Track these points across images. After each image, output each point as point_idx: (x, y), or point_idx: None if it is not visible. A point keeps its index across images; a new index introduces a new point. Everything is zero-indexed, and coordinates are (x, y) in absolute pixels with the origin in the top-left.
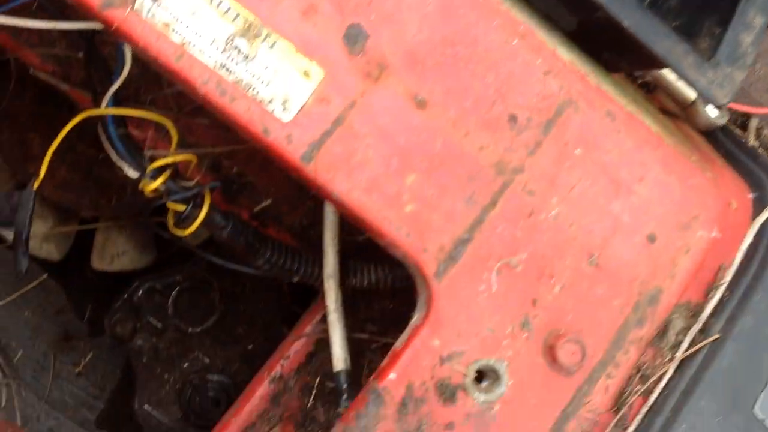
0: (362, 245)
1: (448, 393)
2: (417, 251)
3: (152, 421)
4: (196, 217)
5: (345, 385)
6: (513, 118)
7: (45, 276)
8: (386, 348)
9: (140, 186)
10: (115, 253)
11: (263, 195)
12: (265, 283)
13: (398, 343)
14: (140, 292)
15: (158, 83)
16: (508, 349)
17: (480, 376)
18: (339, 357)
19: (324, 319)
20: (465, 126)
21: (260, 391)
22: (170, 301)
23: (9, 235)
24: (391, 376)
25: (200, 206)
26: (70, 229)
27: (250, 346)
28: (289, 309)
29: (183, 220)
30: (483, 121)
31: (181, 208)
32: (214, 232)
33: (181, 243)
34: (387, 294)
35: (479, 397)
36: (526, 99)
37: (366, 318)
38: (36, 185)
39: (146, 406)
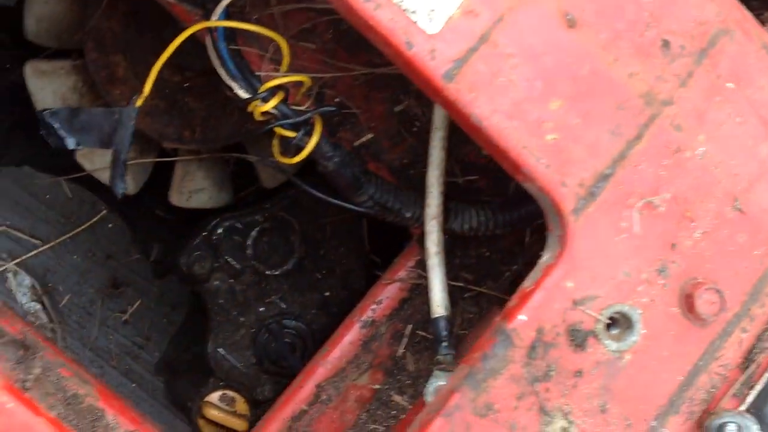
0: (464, 187)
1: (579, 339)
2: (555, 185)
3: (225, 365)
4: (305, 145)
5: (445, 333)
6: (666, 45)
7: (96, 218)
8: (481, 298)
9: (249, 108)
10: (194, 189)
11: (365, 129)
12: (346, 229)
13: (528, 283)
14: (220, 231)
15: (265, 1)
16: (644, 296)
17: (612, 323)
18: (439, 302)
19: (419, 264)
20: (615, 50)
21: (350, 335)
22: (249, 241)
23: (87, 163)
24: (522, 317)
25: (310, 133)
26: (150, 160)
27: (327, 293)
28: (369, 258)
29: (292, 148)
30: (635, 46)
31: (291, 134)
32: (320, 162)
33: (258, 184)
34: (485, 241)
35: (610, 345)
36: (681, 24)
37: (461, 265)
38: (140, 102)
39: (220, 350)
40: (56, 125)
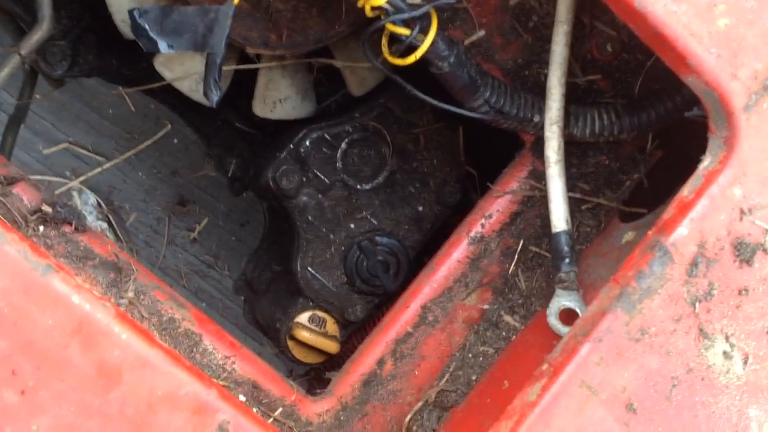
0: (584, 89)
1: (746, 253)
2: (724, 78)
3: (315, 284)
4: (420, 43)
5: (566, 249)
6: None
7: (162, 133)
8: (599, 209)
9: (360, 3)
10: (278, 99)
11: (475, 25)
12: (440, 139)
13: (687, 192)
14: (307, 143)
15: None
16: None
17: None
18: (559, 216)
19: (533, 174)
20: None
21: (458, 252)
22: (338, 153)
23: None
24: (682, 230)
25: (426, 30)
26: (231, 67)
27: (420, 209)
28: (464, 170)
29: (405, 47)
30: None
31: (404, 31)
32: (433, 62)
33: (344, 92)
34: (605, 147)
35: None
36: None
37: (578, 174)
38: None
39: (309, 269)
40: (147, 26)
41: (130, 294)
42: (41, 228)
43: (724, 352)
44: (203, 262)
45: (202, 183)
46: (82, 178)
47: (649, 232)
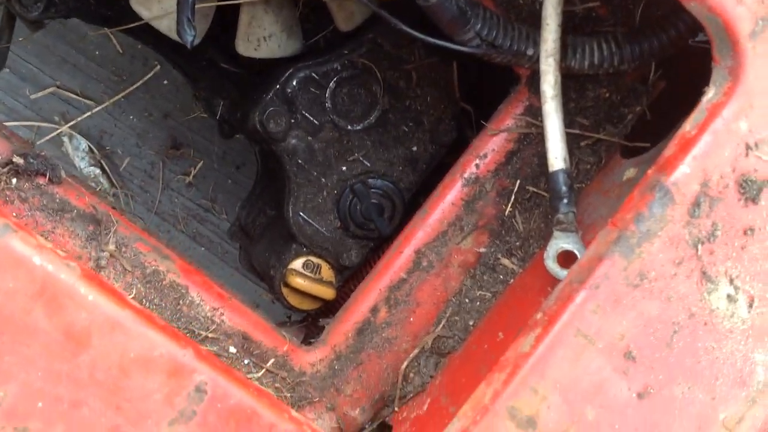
0: (582, 17)
1: (752, 191)
2: (729, 1)
3: (307, 230)
4: None
5: (564, 188)
6: None
7: (151, 74)
8: (599, 145)
9: None
10: (262, 37)
11: None
12: (433, 75)
13: (688, 127)
14: (294, 83)
15: None
16: None
17: None
18: (557, 154)
19: (529, 111)
20: None
21: (452, 194)
22: (327, 93)
23: (144, 10)
24: (683, 168)
25: None
26: (210, 4)
27: (415, 148)
28: (459, 106)
29: None
30: None
31: None
32: None
33: (332, 28)
34: (604, 79)
35: None
36: None
37: (577, 109)
38: None
39: (301, 214)
40: None
41: (111, 247)
42: (14, 180)
43: (728, 296)
44: (200, 206)
45: (194, 125)
46: (72, 123)
47: (649, 171)
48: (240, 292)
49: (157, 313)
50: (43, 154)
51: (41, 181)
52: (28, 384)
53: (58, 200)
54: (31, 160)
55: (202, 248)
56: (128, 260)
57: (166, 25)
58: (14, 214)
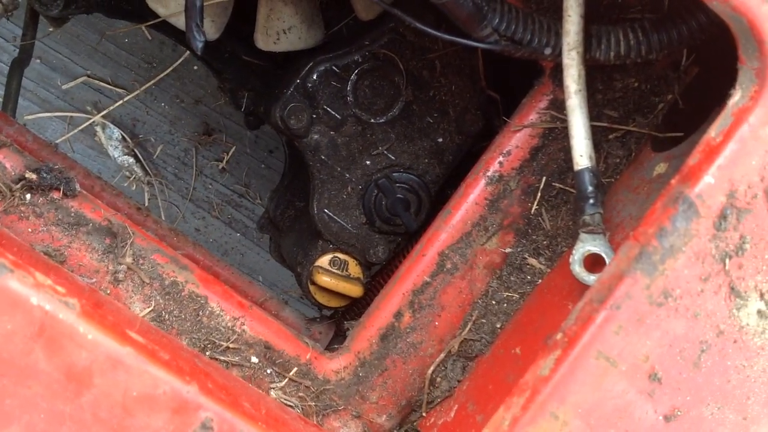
0: (607, 5)
1: None
2: (754, 2)
3: (333, 226)
4: None
5: (590, 188)
6: None
7: (180, 60)
8: (629, 137)
9: None
10: (281, 29)
11: None
12: (458, 63)
13: (713, 133)
14: (315, 76)
15: None
16: None
17: None
18: (582, 152)
19: (553, 104)
20: None
21: (475, 193)
22: (349, 86)
23: (160, 8)
24: (708, 179)
25: None
26: None
27: (440, 140)
28: (486, 95)
29: None
30: None
31: None
32: None
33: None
34: (632, 68)
35: None
36: None
37: (604, 101)
38: None
39: (326, 210)
40: None
41: (128, 259)
42: (28, 196)
43: (759, 311)
44: (234, 191)
45: (226, 110)
46: (104, 112)
47: (672, 181)
48: (276, 278)
49: (177, 325)
50: (57, 167)
51: (56, 195)
52: (31, 426)
53: (73, 214)
54: (45, 175)
55: (238, 234)
56: (146, 272)
57: (182, 23)
58: (30, 229)
